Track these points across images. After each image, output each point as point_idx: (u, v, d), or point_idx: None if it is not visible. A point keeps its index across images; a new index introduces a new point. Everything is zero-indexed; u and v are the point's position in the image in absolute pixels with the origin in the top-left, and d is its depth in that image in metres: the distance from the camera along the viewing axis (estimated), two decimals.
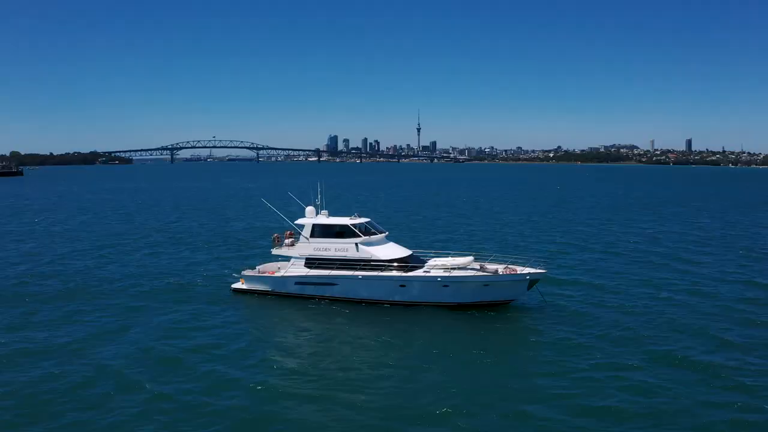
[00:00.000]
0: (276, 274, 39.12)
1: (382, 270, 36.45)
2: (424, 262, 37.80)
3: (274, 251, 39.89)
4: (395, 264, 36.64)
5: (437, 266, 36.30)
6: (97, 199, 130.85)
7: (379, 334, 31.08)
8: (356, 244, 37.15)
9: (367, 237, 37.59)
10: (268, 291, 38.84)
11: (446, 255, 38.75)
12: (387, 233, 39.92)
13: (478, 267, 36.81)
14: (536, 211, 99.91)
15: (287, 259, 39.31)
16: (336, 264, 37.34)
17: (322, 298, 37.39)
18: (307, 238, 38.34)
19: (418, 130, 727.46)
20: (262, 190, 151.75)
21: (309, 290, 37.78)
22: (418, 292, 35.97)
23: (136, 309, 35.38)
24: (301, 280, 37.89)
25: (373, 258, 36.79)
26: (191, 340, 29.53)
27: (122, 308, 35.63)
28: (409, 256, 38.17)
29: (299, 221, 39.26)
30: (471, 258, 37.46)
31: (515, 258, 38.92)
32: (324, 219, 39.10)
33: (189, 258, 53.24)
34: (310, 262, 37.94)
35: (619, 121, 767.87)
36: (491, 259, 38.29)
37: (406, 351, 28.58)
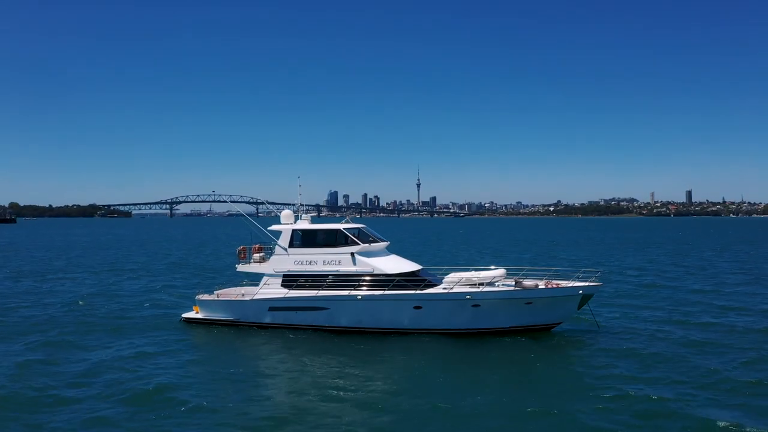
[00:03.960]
0: (242, 299, 29.67)
1: (387, 287, 27.09)
2: (439, 279, 28.55)
3: (240, 268, 30.46)
4: (405, 280, 27.31)
5: (461, 281, 27.04)
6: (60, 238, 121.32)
7: (386, 378, 21.23)
8: (352, 254, 27.94)
9: (366, 245, 28.41)
10: (231, 320, 29.26)
11: (466, 270, 29.35)
12: (388, 243, 30.70)
13: (513, 282, 27.63)
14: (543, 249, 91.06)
15: (257, 278, 29.94)
16: (325, 281, 28.04)
17: (306, 327, 27.89)
18: (286, 249, 29.03)
19: (418, 185, 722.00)
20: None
21: (289, 317, 28.27)
22: (438, 316, 26.62)
23: (50, 344, 25.60)
24: (277, 305, 28.39)
25: (374, 272, 27.51)
26: (115, 386, 19.75)
27: (35, 342, 25.99)
28: (420, 270, 28.90)
29: (274, 227, 29.94)
30: (503, 270, 28.32)
31: (556, 270, 29.97)
32: (307, 224, 29.95)
33: (131, 285, 45.03)
34: (290, 280, 28.57)
35: (618, 174, 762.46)
36: (525, 273, 29.19)
37: (423, 401, 18.94)
